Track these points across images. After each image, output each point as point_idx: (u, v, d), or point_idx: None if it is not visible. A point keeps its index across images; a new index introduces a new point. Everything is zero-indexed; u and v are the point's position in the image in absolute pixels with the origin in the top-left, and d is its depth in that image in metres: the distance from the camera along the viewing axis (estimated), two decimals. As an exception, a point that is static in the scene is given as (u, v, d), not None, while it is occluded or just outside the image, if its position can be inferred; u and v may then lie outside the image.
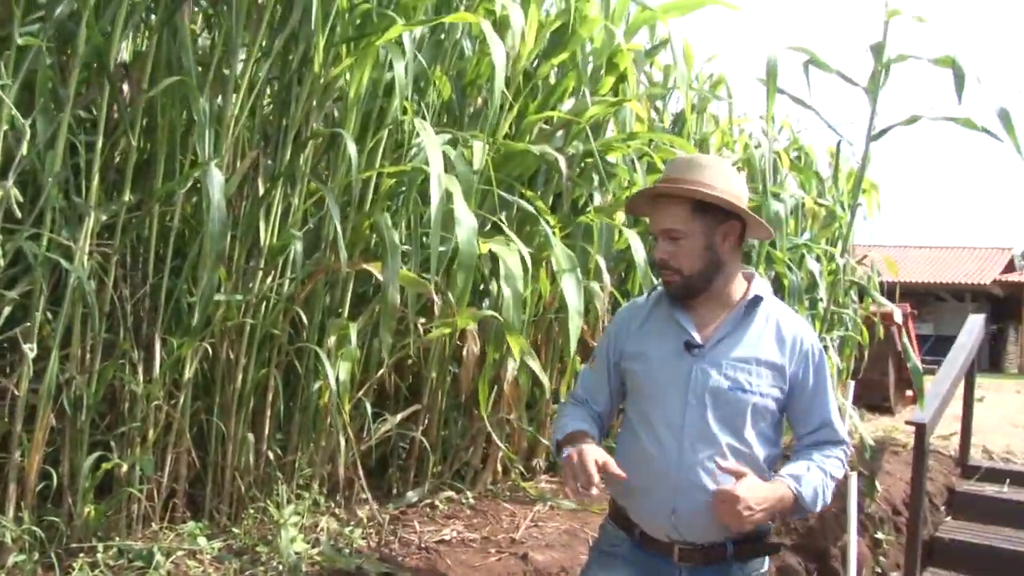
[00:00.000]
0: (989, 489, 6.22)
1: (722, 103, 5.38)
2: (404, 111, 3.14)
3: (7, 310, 2.39)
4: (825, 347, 5.47)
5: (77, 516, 2.52)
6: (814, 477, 2.07)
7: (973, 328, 6.51)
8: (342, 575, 2.57)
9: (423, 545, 2.93)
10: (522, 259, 3.05)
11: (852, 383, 6.37)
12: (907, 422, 5.33)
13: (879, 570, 5.15)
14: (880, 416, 7.75)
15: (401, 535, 3.00)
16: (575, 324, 3.12)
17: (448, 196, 2.56)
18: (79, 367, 2.58)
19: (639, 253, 3.44)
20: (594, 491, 1.92)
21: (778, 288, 5.50)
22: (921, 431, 5.07)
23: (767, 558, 2.19)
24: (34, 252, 2.36)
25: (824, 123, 5.40)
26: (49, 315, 2.51)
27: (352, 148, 2.67)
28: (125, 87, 2.70)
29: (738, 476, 1.95)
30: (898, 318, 5.36)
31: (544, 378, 3.33)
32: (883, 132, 5.28)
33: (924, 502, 5.42)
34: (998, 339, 28.76)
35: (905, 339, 5.26)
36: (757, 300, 2.14)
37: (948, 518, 5.97)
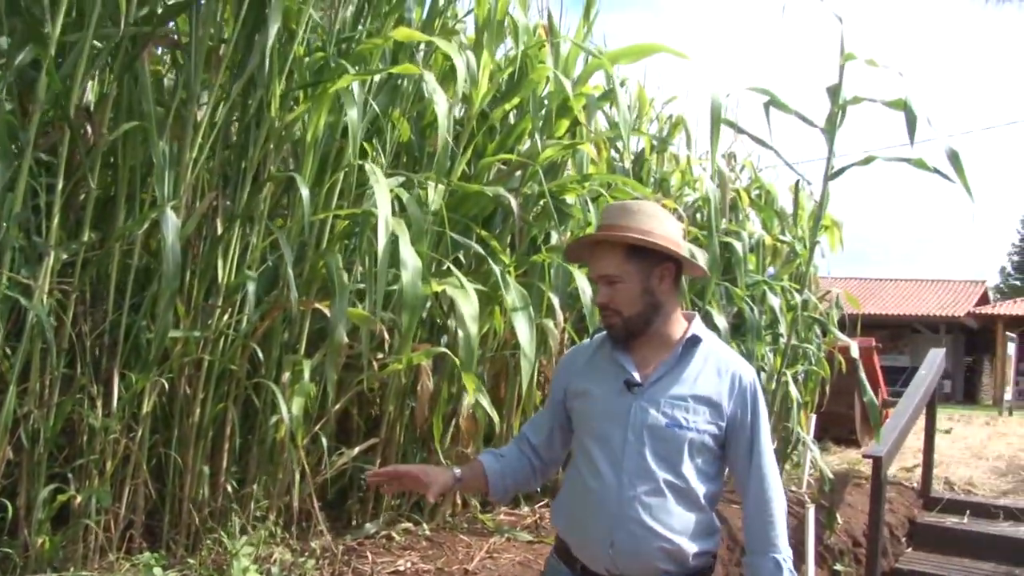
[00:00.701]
0: (949, 520, 6.31)
1: (686, 142, 5.55)
2: (362, 154, 3.26)
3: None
4: (785, 382, 5.62)
5: (32, 547, 2.58)
6: (783, 548, 2.18)
7: (933, 361, 6.65)
8: (292, 605, 2.63)
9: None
10: (478, 298, 3.16)
11: (813, 417, 6.49)
12: (863, 455, 5.45)
13: (838, 602, 5.23)
14: (846, 448, 7.86)
15: (355, 566, 3.06)
16: (527, 361, 3.23)
17: (395, 238, 2.67)
18: (37, 401, 2.65)
19: (586, 294, 3.56)
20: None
21: (739, 324, 5.63)
22: (878, 463, 5.18)
23: None
24: (-8, 290, 2.44)
25: (783, 162, 5.55)
26: (8, 350, 2.59)
27: (305, 191, 2.78)
28: (89, 129, 2.81)
29: None
30: (855, 352, 5.47)
31: (495, 415, 3.42)
32: (840, 171, 5.45)
33: (883, 533, 5.52)
34: (974, 371, 29.02)
35: (861, 373, 5.35)
36: (695, 340, 2.23)
37: (909, 549, 6.06)
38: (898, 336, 27.58)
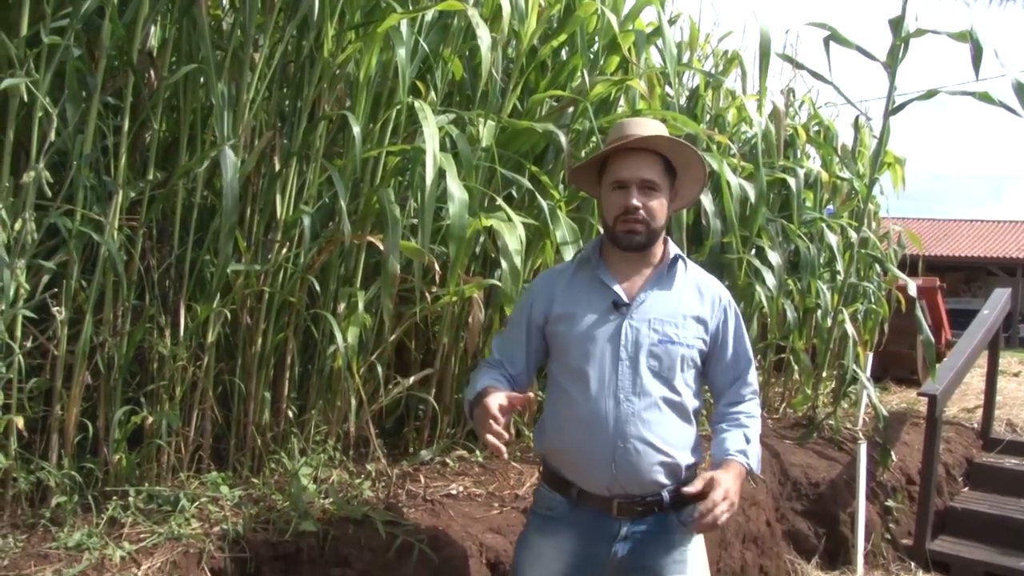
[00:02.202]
0: (1008, 461, 6.26)
1: (744, 77, 5.48)
2: (415, 92, 3.34)
3: (45, 279, 2.65)
4: (842, 320, 5.60)
5: (111, 464, 2.78)
6: (754, 447, 2.26)
7: (998, 301, 6.54)
8: (349, 522, 2.79)
9: (429, 498, 3.15)
10: (525, 232, 3.24)
11: (871, 355, 6.45)
12: (919, 393, 5.42)
13: (889, 537, 5.26)
14: (907, 389, 7.79)
15: (409, 489, 3.22)
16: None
17: (442, 173, 2.76)
18: (111, 330, 2.83)
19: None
20: (506, 436, 2.03)
21: (795, 261, 5.61)
22: (933, 402, 5.17)
23: (696, 504, 2.35)
24: (67, 226, 2.61)
25: (843, 97, 5.47)
26: (83, 283, 2.76)
27: (356, 129, 2.88)
28: (152, 73, 2.94)
29: (709, 485, 2.08)
30: (912, 291, 5.41)
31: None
32: (901, 107, 5.35)
33: (938, 472, 5.52)
34: (1050, 315, 28.16)
35: (919, 311, 5.30)
36: (677, 259, 2.31)
37: (965, 489, 6.04)
38: (973, 279, 26.89)
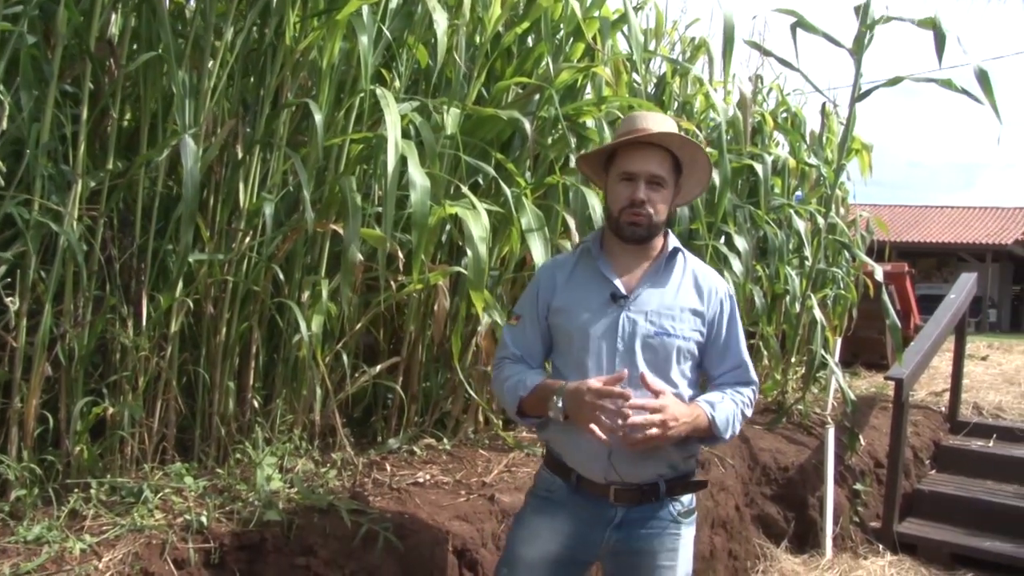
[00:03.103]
0: (975, 444, 6.35)
1: (711, 64, 5.50)
2: (380, 80, 3.32)
3: (2, 270, 2.62)
4: (810, 306, 5.65)
5: (72, 456, 2.76)
6: (727, 407, 2.26)
7: (964, 285, 6.62)
8: (314, 511, 2.78)
9: (395, 486, 3.14)
10: (491, 219, 3.24)
11: (839, 340, 6.51)
12: (886, 377, 5.48)
13: (857, 520, 5.33)
14: (877, 374, 7.87)
15: (376, 477, 3.21)
16: (541, 280, 3.30)
17: (403, 160, 2.75)
18: (72, 321, 2.80)
19: (596, 212, 3.61)
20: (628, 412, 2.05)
21: (763, 247, 5.65)
22: (899, 385, 5.23)
23: (693, 494, 2.40)
24: (24, 216, 2.57)
25: (809, 83, 5.50)
26: (42, 274, 2.73)
27: (318, 117, 2.86)
28: (112, 62, 2.90)
29: (658, 393, 2.12)
30: (879, 276, 5.47)
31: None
32: (867, 93, 5.39)
33: (905, 455, 5.59)
34: (1021, 300, 28.56)
35: (885, 296, 5.35)
36: (676, 252, 2.34)
37: (932, 471, 6.12)
38: (944, 264, 27.23)
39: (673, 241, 2.36)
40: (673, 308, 2.28)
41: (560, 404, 2.17)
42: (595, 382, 2.11)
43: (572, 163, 4.05)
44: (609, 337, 2.25)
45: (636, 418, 2.07)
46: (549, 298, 2.37)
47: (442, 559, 2.86)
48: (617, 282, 2.28)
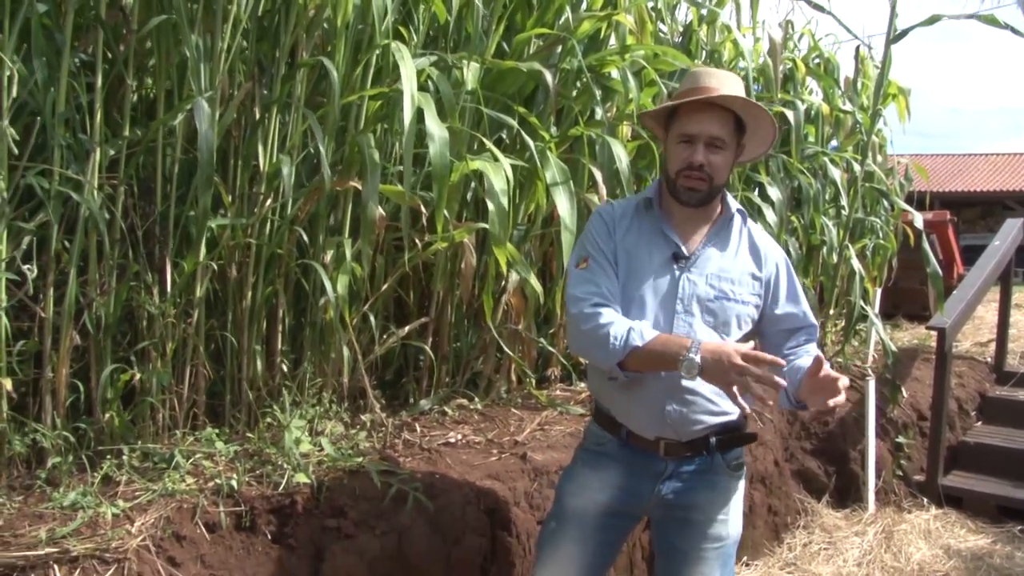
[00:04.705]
0: (1022, 394, 6.20)
1: (739, 10, 5.35)
2: (398, 37, 3.26)
3: (26, 240, 2.62)
4: (848, 256, 5.52)
5: (104, 424, 2.78)
6: None
7: (1009, 232, 6.43)
8: (344, 473, 2.78)
9: (425, 447, 3.13)
10: (512, 173, 3.18)
11: (879, 291, 6.37)
12: (927, 327, 5.35)
13: (900, 473, 5.24)
14: (919, 325, 7.72)
15: (406, 438, 3.20)
16: (568, 233, 3.25)
17: (420, 114, 2.69)
18: (98, 290, 2.81)
19: (623, 161, 3.54)
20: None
21: (798, 197, 5.53)
22: (942, 335, 5.11)
23: (743, 448, 2.35)
24: (43, 187, 2.57)
25: (841, 26, 5.35)
26: (66, 243, 2.73)
27: (334, 75, 2.81)
28: (125, 28, 2.88)
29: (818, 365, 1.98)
30: (919, 224, 5.32)
31: (538, 287, 3.46)
32: (903, 33, 5.22)
33: (949, 407, 5.47)
34: (1071, 248, 27.86)
35: (926, 244, 5.21)
36: (735, 215, 2.28)
37: (978, 423, 6.00)
38: (988, 213, 26.58)
39: (734, 204, 2.29)
40: (733, 272, 2.23)
41: (698, 359, 1.97)
42: (743, 346, 1.99)
43: (598, 115, 3.97)
44: (669, 297, 2.19)
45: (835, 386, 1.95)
46: (620, 237, 2.26)
47: (474, 518, 2.85)
48: (679, 242, 2.22)
